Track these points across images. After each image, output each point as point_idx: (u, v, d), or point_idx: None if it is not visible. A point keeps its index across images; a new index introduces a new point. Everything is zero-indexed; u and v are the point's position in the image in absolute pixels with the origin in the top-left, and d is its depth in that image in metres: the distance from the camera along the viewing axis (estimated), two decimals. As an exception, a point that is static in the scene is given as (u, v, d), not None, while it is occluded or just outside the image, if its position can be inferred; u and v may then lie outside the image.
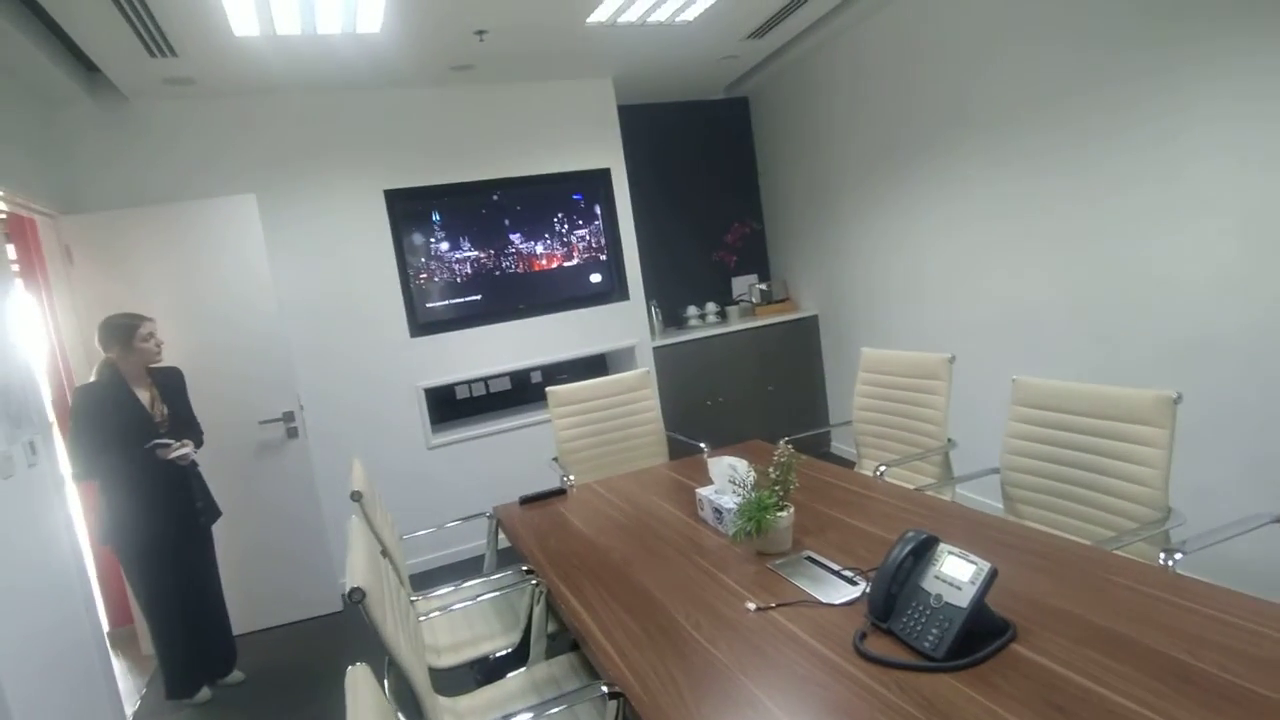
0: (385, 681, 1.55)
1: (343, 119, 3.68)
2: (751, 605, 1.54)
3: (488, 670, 1.99)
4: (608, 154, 4.21)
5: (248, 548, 3.31)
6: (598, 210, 4.24)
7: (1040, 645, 1.25)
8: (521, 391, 4.34)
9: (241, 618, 3.18)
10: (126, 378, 2.60)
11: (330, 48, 3.02)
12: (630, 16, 3.16)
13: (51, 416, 2.71)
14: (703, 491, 2.10)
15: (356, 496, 1.99)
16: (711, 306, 4.90)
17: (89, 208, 3.24)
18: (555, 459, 3.00)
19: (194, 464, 2.71)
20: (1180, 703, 1.06)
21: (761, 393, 4.68)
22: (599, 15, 3.10)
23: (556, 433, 3.03)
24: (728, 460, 2.00)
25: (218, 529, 2.87)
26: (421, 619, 2.10)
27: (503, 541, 2.43)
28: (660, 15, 3.20)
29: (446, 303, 3.97)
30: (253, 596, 3.33)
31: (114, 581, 3.29)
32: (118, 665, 2.83)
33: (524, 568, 2.01)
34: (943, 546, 1.38)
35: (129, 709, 2.80)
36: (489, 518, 2.54)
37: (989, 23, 3.08)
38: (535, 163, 4.06)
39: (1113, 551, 1.60)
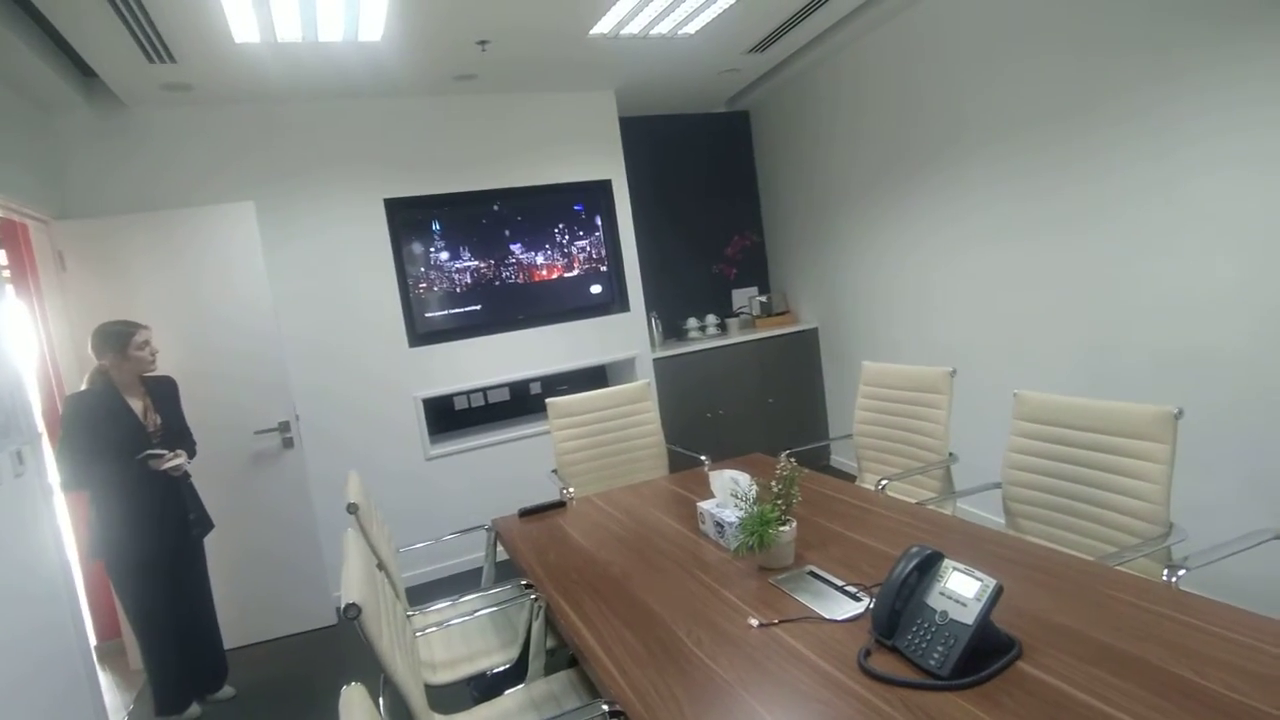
0: (380, 699, 1.52)
1: (343, 127, 3.68)
2: (754, 621, 1.52)
3: (485, 687, 1.96)
4: (609, 165, 4.22)
5: (240, 560, 3.27)
6: (598, 221, 4.24)
7: (1045, 663, 1.24)
8: (521, 403, 4.32)
9: (233, 632, 3.13)
10: (119, 386, 2.57)
11: (331, 55, 3.02)
12: (633, 29, 3.18)
13: (41, 426, 2.68)
14: (704, 505, 2.08)
15: (353, 509, 1.96)
16: (711, 318, 4.90)
17: (83, 214, 3.22)
18: (554, 471, 2.98)
19: (186, 475, 2.68)
20: (1188, 722, 1.04)
21: (761, 405, 4.67)
22: (602, 27, 3.11)
23: (556, 444, 3.01)
24: (729, 474, 1.98)
25: (210, 541, 2.83)
26: (418, 634, 2.07)
27: (501, 554, 2.41)
28: (663, 28, 3.22)
29: (446, 313, 3.95)
30: (245, 610, 3.28)
31: (102, 594, 3.25)
32: (105, 679, 2.79)
33: (523, 582, 1.98)
34: (947, 562, 1.36)
35: (117, 723, 2.75)
36: (487, 530, 2.52)
37: (989, 39, 3.10)
38: (536, 173, 4.06)
39: (1115, 567, 1.59)
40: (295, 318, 3.58)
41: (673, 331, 4.91)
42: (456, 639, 2.15)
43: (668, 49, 3.54)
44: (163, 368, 2.74)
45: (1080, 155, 2.78)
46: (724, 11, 3.12)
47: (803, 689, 1.27)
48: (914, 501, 2.22)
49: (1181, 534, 1.71)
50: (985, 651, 1.24)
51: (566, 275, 4.20)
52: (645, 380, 3.29)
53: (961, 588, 1.29)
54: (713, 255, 5.06)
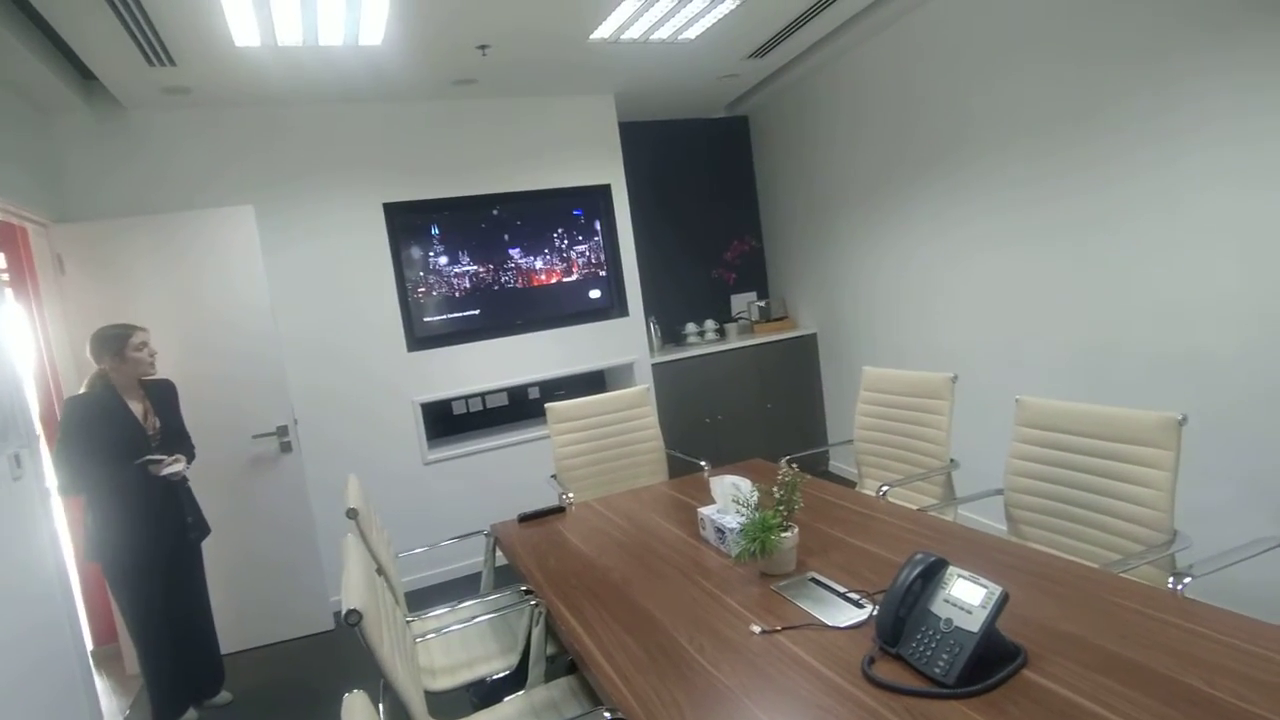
0: (380, 705, 1.51)
1: (343, 131, 3.67)
2: (756, 628, 1.51)
3: (485, 693, 1.95)
4: (608, 170, 4.22)
5: (238, 564, 3.25)
6: (598, 226, 4.24)
7: (1051, 671, 1.23)
8: (519, 407, 4.31)
9: (230, 636, 3.11)
10: (118, 389, 2.56)
11: (331, 59, 3.02)
12: (633, 34, 3.18)
13: (39, 429, 2.66)
14: (704, 511, 2.07)
15: (352, 514, 1.95)
16: (710, 324, 4.90)
17: (82, 217, 3.20)
18: (554, 476, 2.97)
19: (184, 479, 2.66)
20: (1198, 732, 1.04)
21: (760, 411, 4.66)
22: (602, 32, 3.11)
23: (555, 449, 3.00)
24: (730, 479, 1.98)
25: (207, 545, 2.81)
26: (417, 640, 2.05)
27: (500, 559, 2.39)
28: (663, 33, 3.22)
29: (444, 317, 3.94)
30: (242, 615, 3.26)
31: (99, 598, 3.23)
32: (101, 684, 2.76)
33: (522, 587, 1.97)
34: (952, 569, 1.35)
35: (112, 730, 2.73)
36: (487, 536, 2.51)
37: (989, 46, 3.11)
38: (536, 178, 4.06)
39: (1119, 574, 1.59)
40: (294, 322, 3.57)
41: (671, 336, 4.90)
42: (456, 645, 2.14)
43: (668, 54, 3.55)
44: (161, 371, 2.72)
45: (1081, 162, 2.78)
46: (724, 17, 3.13)
47: (806, 696, 1.26)
48: (915, 508, 2.21)
49: (1185, 541, 1.70)
50: (991, 659, 1.23)
51: (565, 280, 4.19)
52: (644, 385, 3.28)
53: (966, 595, 1.29)
54: (712, 260, 5.06)
